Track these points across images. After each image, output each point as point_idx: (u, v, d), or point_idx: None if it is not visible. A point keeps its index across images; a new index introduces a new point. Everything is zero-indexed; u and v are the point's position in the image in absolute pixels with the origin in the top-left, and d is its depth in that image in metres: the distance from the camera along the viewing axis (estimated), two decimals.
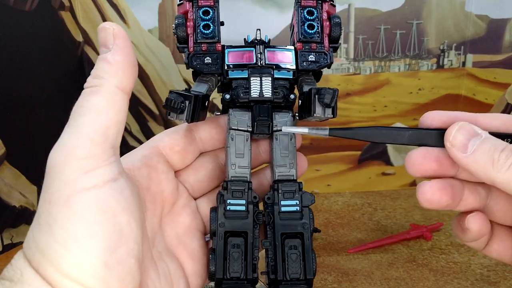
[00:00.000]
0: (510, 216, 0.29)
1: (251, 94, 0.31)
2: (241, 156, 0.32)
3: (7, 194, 0.58)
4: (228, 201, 0.31)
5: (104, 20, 0.67)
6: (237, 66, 0.32)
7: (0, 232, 0.58)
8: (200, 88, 0.31)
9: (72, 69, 0.67)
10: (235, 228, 0.30)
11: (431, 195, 0.27)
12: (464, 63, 0.67)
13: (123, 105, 0.26)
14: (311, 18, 0.33)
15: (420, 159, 0.27)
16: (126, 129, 0.71)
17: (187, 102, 0.28)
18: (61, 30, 0.65)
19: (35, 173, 0.61)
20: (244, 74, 0.32)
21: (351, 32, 0.67)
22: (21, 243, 0.60)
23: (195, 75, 0.33)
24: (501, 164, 0.24)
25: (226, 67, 0.32)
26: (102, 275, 0.23)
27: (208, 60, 0.32)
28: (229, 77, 0.32)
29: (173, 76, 0.69)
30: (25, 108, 0.60)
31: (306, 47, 0.33)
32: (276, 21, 0.65)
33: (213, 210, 0.31)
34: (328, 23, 0.33)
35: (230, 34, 0.74)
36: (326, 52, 0.33)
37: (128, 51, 0.26)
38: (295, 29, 0.33)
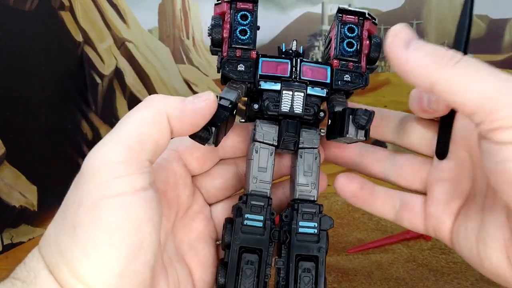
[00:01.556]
0: (418, 179, 0.32)
1: (281, 108, 0.30)
2: (264, 171, 0.31)
3: (7, 194, 0.58)
4: (246, 215, 0.30)
5: (104, 20, 0.67)
6: (270, 78, 0.31)
7: (0, 232, 0.58)
8: (229, 95, 0.30)
9: (72, 69, 0.67)
10: (251, 244, 0.29)
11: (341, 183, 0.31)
12: None
13: (166, 134, 0.25)
14: (352, 35, 0.32)
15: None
16: None
17: (213, 129, 0.27)
18: (61, 30, 0.65)
19: (35, 173, 0.61)
20: (277, 87, 0.31)
21: None
22: (21, 243, 0.60)
23: (224, 79, 0.32)
24: (447, 59, 0.22)
25: (258, 77, 0.31)
26: (116, 285, 0.23)
27: (241, 67, 0.31)
28: (261, 87, 0.31)
29: (173, 76, 0.69)
30: (25, 108, 0.60)
31: (343, 65, 0.31)
32: (276, 21, 0.65)
33: (229, 221, 0.30)
34: (368, 42, 0.32)
35: None
36: (363, 73, 0.31)
37: (202, 114, 0.26)
38: (333, 45, 0.32)
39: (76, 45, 0.67)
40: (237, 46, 0.31)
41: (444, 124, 0.30)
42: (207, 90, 0.72)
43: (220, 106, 0.28)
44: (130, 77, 0.69)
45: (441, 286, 0.48)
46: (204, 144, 0.28)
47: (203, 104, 0.26)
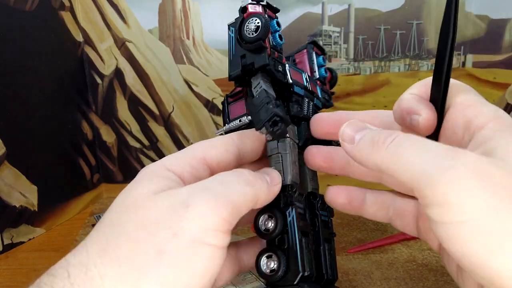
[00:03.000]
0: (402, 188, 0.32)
1: (303, 112, 0.35)
2: (295, 164, 0.33)
3: (7, 194, 0.58)
4: (296, 203, 0.31)
5: (104, 20, 0.67)
6: (298, 84, 0.35)
7: (0, 232, 0.58)
8: (271, 92, 0.32)
9: (72, 69, 0.67)
10: (304, 229, 0.31)
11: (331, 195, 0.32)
12: (464, 63, 0.67)
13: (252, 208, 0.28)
14: (324, 64, 0.39)
15: (312, 155, 0.33)
16: (126, 129, 0.71)
17: (283, 126, 0.29)
18: (62, 30, 0.65)
19: (35, 173, 0.62)
20: (302, 92, 0.35)
21: (351, 32, 0.67)
22: (22, 243, 0.60)
23: (241, 80, 0.34)
24: (380, 144, 0.24)
25: (291, 81, 0.34)
26: None
27: (280, 68, 0.33)
28: (294, 91, 0.34)
29: (173, 76, 0.69)
30: (25, 108, 0.60)
31: (322, 87, 0.38)
32: None
33: (279, 211, 0.31)
34: (329, 72, 0.40)
35: None
36: (330, 96, 0.39)
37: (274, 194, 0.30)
38: (313, 68, 0.38)
39: (76, 45, 0.67)
40: (276, 49, 0.34)
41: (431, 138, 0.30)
42: (207, 90, 0.72)
43: (278, 105, 0.30)
44: (130, 77, 0.69)
45: (441, 286, 0.48)
46: (277, 139, 0.32)
47: (277, 188, 0.30)
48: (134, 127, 0.71)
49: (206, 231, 0.24)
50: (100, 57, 0.68)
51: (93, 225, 0.60)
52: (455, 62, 0.68)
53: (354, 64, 0.68)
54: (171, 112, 0.71)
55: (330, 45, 0.67)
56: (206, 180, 0.27)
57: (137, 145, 0.72)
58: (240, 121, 0.35)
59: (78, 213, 0.69)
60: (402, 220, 0.32)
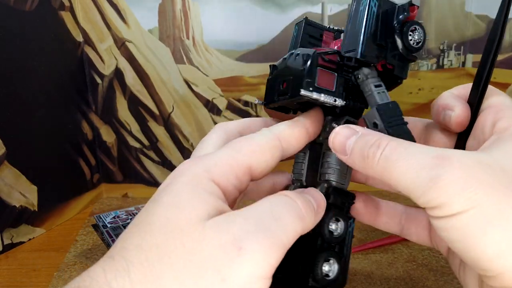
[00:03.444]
0: None
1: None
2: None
3: (7, 194, 0.58)
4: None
5: (104, 20, 0.67)
6: None
7: (0, 232, 0.58)
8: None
9: (72, 69, 0.67)
10: None
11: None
12: (464, 63, 0.67)
13: None
14: None
15: None
16: (126, 129, 0.71)
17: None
18: (61, 30, 0.65)
19: (35, 173, 0.61)
20: None
21: None
22: (22, 243, 0.60)
23: (366, 65, 0.30)
24: (371, 160, 0.26)
25: None
26: None
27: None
28: None
29: (173, 76, 0.69)
30: (25, 108, 0.60)
31: None
32: (276, 21, 0.65)
33: (344, 217, 0.31)
34: None
35: (230, 34, 0.74)
36: None
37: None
38: None
39: (76, 45, 0.67)
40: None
41: (460, 139, 0.30)
42: (207, 90, 0.72)
43: None
44: (130, 77, 0.69)
45: (441, 286, 0.48)
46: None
47: (321, 215, 0.28)
48: (134, 127, 0.71)
49: (255, 279, 0.22)
50: (100, 57, 0.68)
51: (93, 225, 0.60)
52: (455, 62, 0.68)
53: None
54: (171, 112, 0.71)
55: None
56: (256, 209, 0.24)
57: (137, 145, 0.72)
58: (335, 100, 0.30)
59: (78, 213, 0.69)
60: (418, 225, 0.33)
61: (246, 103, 0.69)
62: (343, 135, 0.28)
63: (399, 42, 0.29)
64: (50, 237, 0.63)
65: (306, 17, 0.33)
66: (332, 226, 0.30)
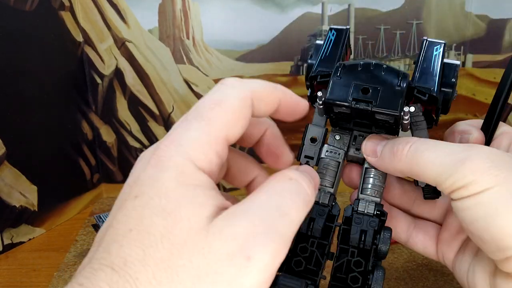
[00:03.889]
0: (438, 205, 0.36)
1: None
2: None
3: (7, 194, 0.58)
4: None
5: (104, 20, 0.67)
6: None
7: (0, 232, 0.58)
8: None
9: (72, 69, 0.67)
10: None
11: None
12: (464, 63, 0.67)
13: None
14: None
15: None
16: (126, 129, 0.71)
17: None
18: (61, 30, 0.65)
19: (35, 173, 0.61)
20: None
21: (351, 32, 0.67)
22: (22, 243, 0.60)
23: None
24: (399, 153, 0.28)
25: None
26: None
27: None
28: None
29: (173, 76, 0.69)
30: (25, 108, 0.60)
31: None
32: (276, 21, 0.65)
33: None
34: None
35: (230, 34, 0.74)
36: None
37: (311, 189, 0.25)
38: None
39: (76, 45, 0.67)
40: None
41: None
42: (207, 90, 0.72)
43: None
44: (130, 77, 0.69)
45: (441, 286, 0.48)
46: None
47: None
48: (134, 127, 0.71)
49: (264, 283, 0.21)
50: (100, 57, 0.68)
51: (93, 225, 0.60)
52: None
53: None
54: (171, 112, 0.71)
55: None
56: (261, 205, 0.22)
57: (137, 145, 0.72)
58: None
59: (78, 213, 0.69)
60: (425, 234, 0.35)
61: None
62: (375, 141, 0.31)
63: (450, 95, 0.32)
64: (50, 237, 0.63)
65: (348, 27, 0.34)
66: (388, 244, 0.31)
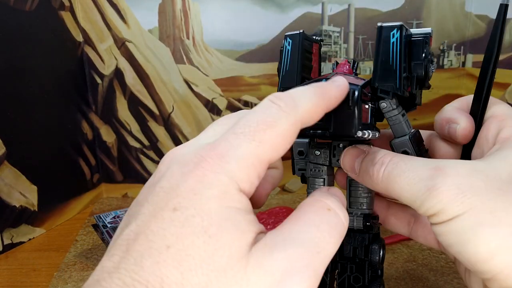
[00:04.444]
0: None
1: None
2: None
3: (7, 194, 0.58)
4: None
5: (104, 20, 0.67)
6: None
7: (0, 232, 0.58)
8: None
9: (72, 69, 0.67)
10: None
11: None
12: (464, 63, 0.67)
13: None
14: None
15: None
16: (126, 129, 0.71)
17: None
18: (61, 30, 0.65)
19: (35, 173, 0.62)
20: None
21: (351, 32, 0.67)
22: (22, 243, 0.60)
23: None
24: (375, 177, 0.28)
25: None
26: None
27: None
28: None
29: (173, 76, 0.69)
30: (25, 108, 0.60)
31: None
32: (276, 21, 0.65)
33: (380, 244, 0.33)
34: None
35: (230, 34, 0.74)
36: None
37: None
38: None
39: (76, 45, 0.67)
40: None
41: (465, 149, 0.31)
42: (207, 90, 0.72)
43: None
44: (130, 77, 0.69)
45: (441, 286, 0.48)
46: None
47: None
48: (134, 127, 0.71)
49: None
50: (100, 57, 0.68)
51: (93, 225, 0.60)
52: (455, 62, 0.68)
53: None
54: (171, 112, 0.71)
55: (330, 45, 0.67)
56: (299, 237, 0.22)
57: (137, 145, 0.72)
58: (376, 135, 0.29)
59: (78, 213, 0.69)
60: (424, 228, 0.35)
61: (246, 103, 0.69)
62: (351, 156, 0.30)
63: (423, 73, 0.30)
64: (50, 237, 0.63)
65: (303, 31, 0.32)
66: (381, 253, 0.32)
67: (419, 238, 0.35)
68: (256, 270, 0.20)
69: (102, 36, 0.68)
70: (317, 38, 0.34)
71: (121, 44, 0.68)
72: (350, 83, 0.27)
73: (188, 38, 0.68)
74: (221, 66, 0.68)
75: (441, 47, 0.67)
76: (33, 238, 0.62)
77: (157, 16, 0.67)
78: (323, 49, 0.67)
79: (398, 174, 0.27)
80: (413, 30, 0.30)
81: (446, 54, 0.68)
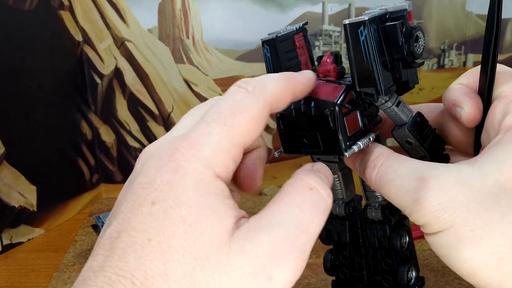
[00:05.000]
0: None
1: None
2: None
3: (7, 194, 0.58)
4: None
5: (104, 19, 0.67)
6: None
7: None
8: None
9: (71, 69, 0.67)
10: None
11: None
12: (465, 63, 0.67)
13: None
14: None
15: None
16: (125, 129, 0.71)
17: None
18: (61, 30, 0.64)
19: (35, 173, 0.61)
20: None
21: None
22: (21, 243, 0.60)
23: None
24: (369, 181, 0.29)
25: None
26: None
27: None
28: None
29: (173, 75, 0.69)
30: (25, 108, 0.60)
31: None
32: (276, 21, 0.65)
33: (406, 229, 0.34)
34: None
35: (230, 33, 0.74)
36: None
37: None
38: (313, 58, 0.34)
39: (75, 45, 0.67)
40: None
41: (477, 131, 0.29)
42: (207, 90, 0.72)
43: None
44: (130, 77, 0.69)
45: (441, 287, 0.48)
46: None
47: None
48: (134, 127, 0.71)
49: None
50: (100, 56, 0.68)
51: (93, 226, 0.60)
52: (456, 62, 0.68)
53: None
54: (170, 112, 0.70)
55: (331, 44, 0.67)
56: (282, 220, 0.22)
57: (137, 145, 0.72)
58: (370, 139, 0.29)
59: (77, 214, 0.69)
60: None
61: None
62: (351, 155, 0.29)
63: (410, 58, 0.27)
64: (49, 238, 0.63)
65: (276, 35, 0.30)
66: (404, 240, 0.33)
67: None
68: (239, 255, 0.20)
69: (101, 36, 0.68)
70: (297, 27, 0.31)
71: (120, 44, 0.68)
72: (325, 100, 0.27)
73: (188, 37, 0.68)
74: (221, 65, 0.68)
75: (442, 47, 0.67)
76: (32, 238, 0.62)
77: (157, 16, 0.67)
78: (323, 48, 0.66)
79: (387, 181, 0.27)
80: (389, 8, 0.27)
81: (446, 53, 0.67)
